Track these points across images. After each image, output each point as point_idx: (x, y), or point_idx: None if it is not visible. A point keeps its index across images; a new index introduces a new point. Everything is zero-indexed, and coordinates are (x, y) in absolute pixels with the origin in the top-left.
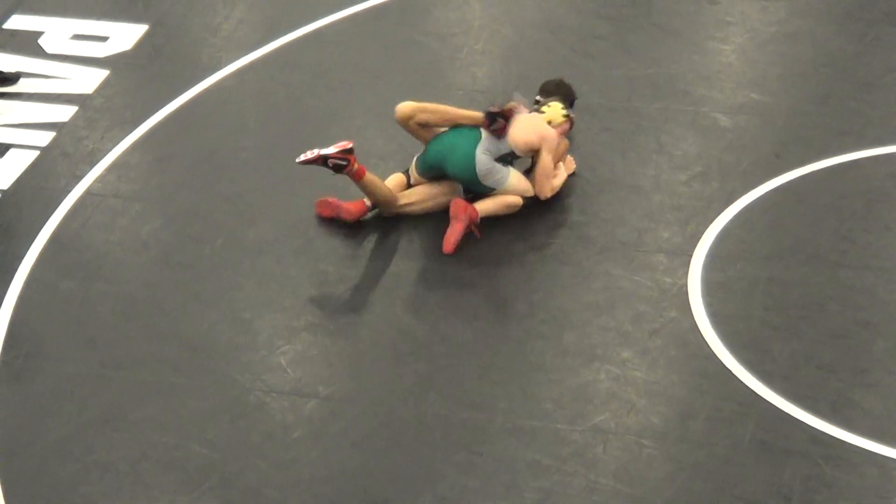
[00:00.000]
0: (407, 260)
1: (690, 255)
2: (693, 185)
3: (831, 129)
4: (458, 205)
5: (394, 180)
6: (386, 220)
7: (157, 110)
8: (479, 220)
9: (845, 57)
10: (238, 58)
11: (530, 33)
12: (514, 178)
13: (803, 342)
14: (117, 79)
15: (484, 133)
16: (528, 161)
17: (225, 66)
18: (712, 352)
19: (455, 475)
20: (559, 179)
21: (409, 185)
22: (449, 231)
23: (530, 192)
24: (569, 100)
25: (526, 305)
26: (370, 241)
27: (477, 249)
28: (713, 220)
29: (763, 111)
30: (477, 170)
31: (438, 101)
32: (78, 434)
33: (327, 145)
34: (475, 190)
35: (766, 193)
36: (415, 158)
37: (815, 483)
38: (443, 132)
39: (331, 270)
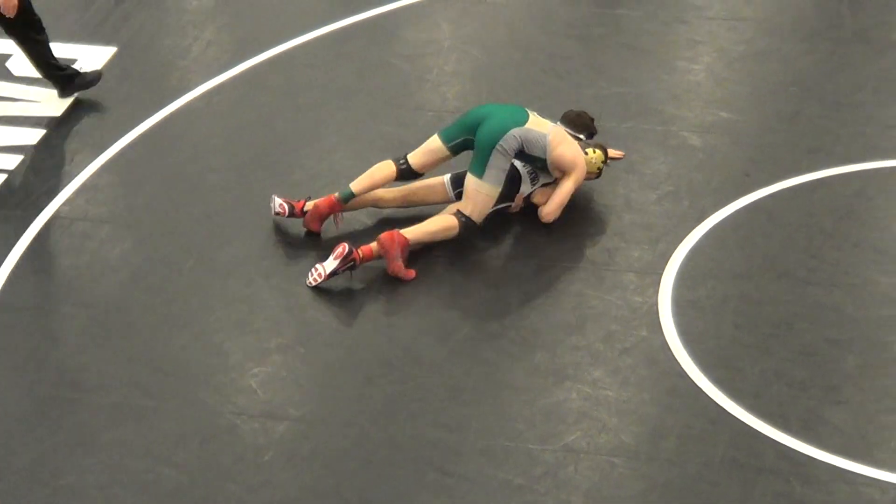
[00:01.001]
0: (377, 281)
1: (661, 274)
2: (663, 204)
3: (800, 148)
4: (383, 242)
5: (383, 170)
6: (355, 241)
7: (126, 132)
8: (408, 246)
9: (814, 75)
10: (207, 79)
11: (500, 53)
12: (494, 191)
13: (773, 360)
14: (86, 101)
15: (530, 122)
16: (529, 186)
17: (194, 87)
18: (683, 370)
19: (427, 496)
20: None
21: (400, 175)
22: (391, 270)
23: (477, 217)
24: (589, 132)
25: (497, 325)
26: None
27: (447, 270)
28: (683, 238)
29: (732, 130)
30: (500, 142)
31: (409, 121)
32: (48, 458)
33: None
34: (472, 162)
35: (736, 212)
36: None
37: (785, 500)
38: (491, 105)
39: (301, 292)
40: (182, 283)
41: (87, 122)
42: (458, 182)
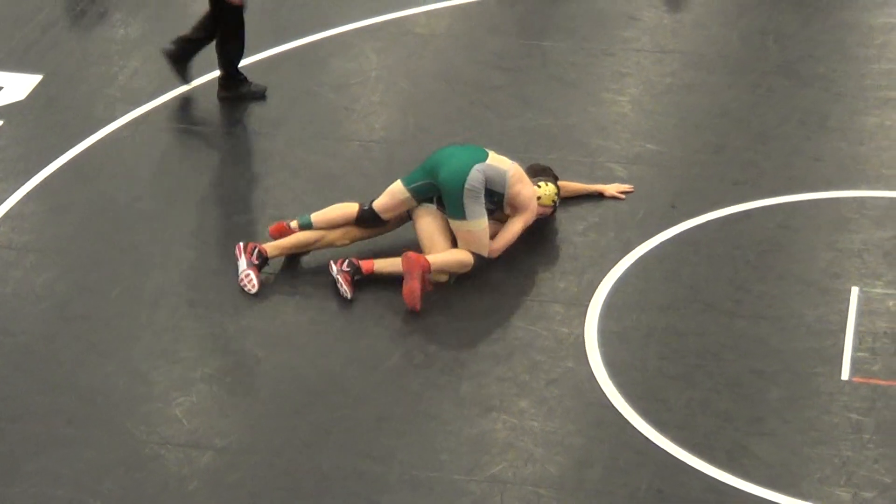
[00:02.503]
0: (303, 311)
1: (587, 305)
2: (589, 235)
3: (726, 180)
4: (409, 259)
5: (344, 208)
6: (283, 272)
7: (51, 161)
8: (430, 271)
9: (739, 108)
10: (133, 108)
11: (427, 84)
12: (484, 222)
13: (699, 391)
14: (11, 129)
15: (490, 159)
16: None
17: (120, 116)
18: (609, 401)
19: None
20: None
21: (360, 217)
22: (407, 288)
23: (485, 251)
24: (553, 181)
25: (423, 356)
26: (267, 293)
27: (374, 300)
28: (609, 269)
29: (658, 161)
30: (467, 182)
31: (336, 151)
32: None
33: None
34: (447, 210)
35: (662, 243)
36: (403, 179)
37: None
38: (447, 148)
39: (227, 321)
40: (108, 311)
41: (11, 151)
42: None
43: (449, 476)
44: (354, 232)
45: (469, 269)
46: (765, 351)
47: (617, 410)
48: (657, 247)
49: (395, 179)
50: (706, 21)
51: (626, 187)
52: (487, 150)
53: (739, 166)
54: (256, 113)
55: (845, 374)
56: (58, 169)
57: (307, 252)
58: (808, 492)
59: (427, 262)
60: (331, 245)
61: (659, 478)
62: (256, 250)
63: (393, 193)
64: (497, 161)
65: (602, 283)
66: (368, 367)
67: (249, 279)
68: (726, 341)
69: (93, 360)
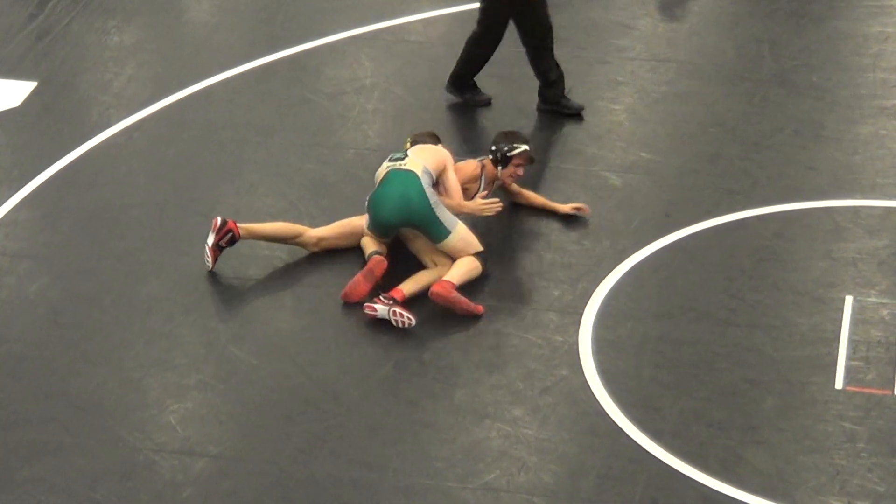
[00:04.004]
0: (297, 318)
1: (581, 314)
2: (584, 244)
3: (720, 189)
4: (439, 294)
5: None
6: (276, 279)
7: (45, 168)
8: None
9: (734, 117)
10: (128, 115)
11: (422, 92)
12: (460, 223)
13: (693, 400)
14: (5, 136)
15: (420, 170)
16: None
17: (115, 123)
18: (603, 409)
19: None
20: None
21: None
22: (460, 312)
23: (479, 246)
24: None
25: (417, 364)
26: (260, 299)
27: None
28: (603, 278)
29: (653, 170)
30: (431, 202)
31: (330, 158)
32: None
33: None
34: (432, 238)
35: (656, 252)
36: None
37: None
38: (378, 188)
39: (221, 328)
40: (101, 319)
41: (5, 158)
42: None
43: (443, 484)
44: (332, 242)
45: (480, 270)
46: (759, 360)
47: (611, 419)
48: (651, 255)
49: None
50: (701, 30)
51: (582, 207)
52: (400, 155)
53: (734, 175)
54: (251, 121)
55: (839, 383)
56: (52, 176)
57: (276, 243)
58: (802, 500)
59: (451, 283)
60: (302, 246)
61: (653, 486)
62: (229, 234)
63: (376, 242)
64: (417, 161)
65: (596, 291)
66: (362, 375)
67: (206, 255)
68: (720, 350)
69: (86, 367)
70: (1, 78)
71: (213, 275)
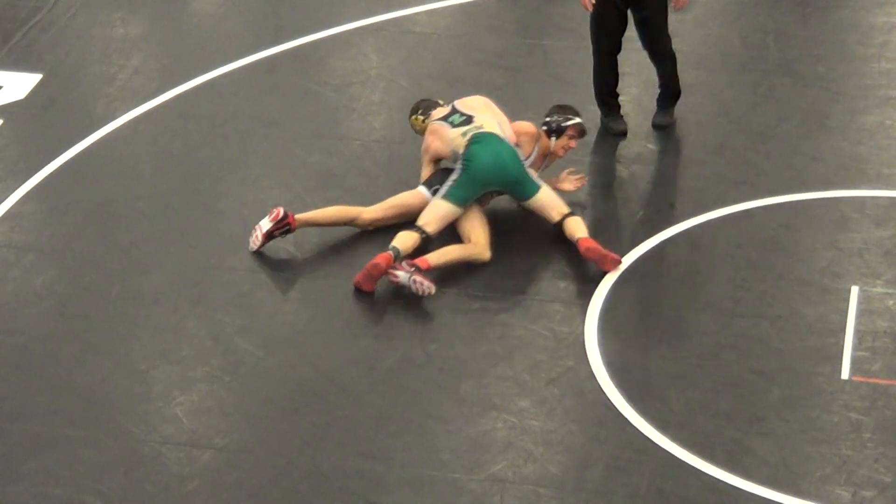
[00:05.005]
0: (303, 310)
1: (587, 304)
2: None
3: (726, 179)
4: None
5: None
6: (282, 271)
7: (51, 160)
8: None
9: (739, 107)
10: (133, 107)
11: (427, 84)
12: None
13: (699, 391)
14: (10, 128)
15: (499, 131)
16: None
17: (120, 115)
18: (609, 400)
19: None
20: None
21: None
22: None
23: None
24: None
25: (423, 355)
26: (266, 291)
27: (373, 299)
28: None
29: (658, 161)
30: (521, 159)
31: (335, 150)
32: None
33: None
34: (522, 191)
35: (662, 242)
36: (445, 190)
37: None
38: (470, 152)
39: (227, 321)
40: (107, 311)
41: (11, 150)
42: (431, 187)
43: (449, 475)
44: (386, 222)
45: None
46: (765, 350)
47: (617, 410)
48: (657, 246)
49: (396, 179)
50: (706, 20)
51: (575, 175)
52: (462, 118)
53: (739, 166)
54: (256, 112)
55: (845, 374)
56: (57, 168)
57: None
58: (809, 491)
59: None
60: (354, 225)
61: (659, 477)
62: (286, 227)
63: (446, 217)
64: (490, 122)
65: (602, 282)
66: (368, 366)
67: (255, 237)
68: (726, 341)
69: (92, 359)
70: (6, 70)
71: (219, 267)
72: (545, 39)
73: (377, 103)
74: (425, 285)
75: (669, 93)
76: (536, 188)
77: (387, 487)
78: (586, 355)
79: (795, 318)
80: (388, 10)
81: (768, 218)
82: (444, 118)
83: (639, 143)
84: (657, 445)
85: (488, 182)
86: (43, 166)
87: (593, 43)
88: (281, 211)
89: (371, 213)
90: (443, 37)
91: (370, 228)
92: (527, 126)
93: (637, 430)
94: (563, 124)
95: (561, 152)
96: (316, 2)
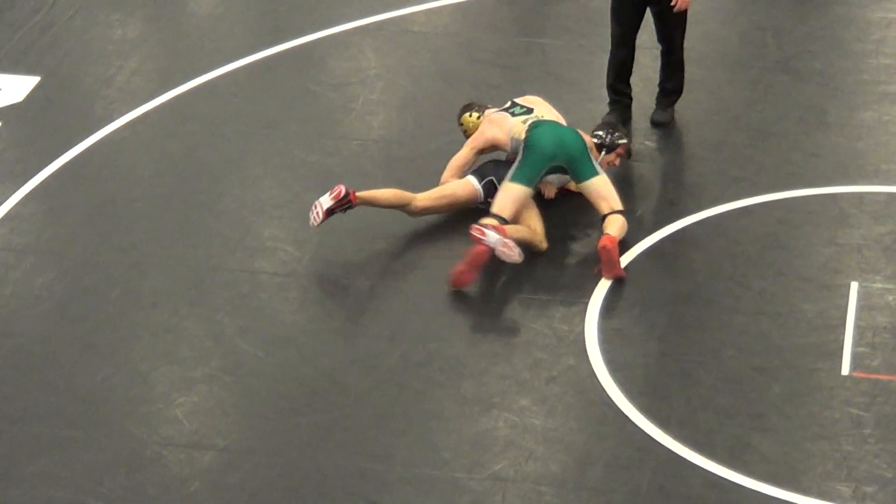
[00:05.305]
0: (302, 310)
1: (587, 303)
2: (589, 232)
3: (725, 176)
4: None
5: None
6: (281, 271)
7: (49, 162)
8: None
9: (738, 104)
10: (132, 109)
11: (426, 83)
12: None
13: (700, 388)
14: (9, 131)
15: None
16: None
17: (118, 117)
18: (610, 398)
19: None
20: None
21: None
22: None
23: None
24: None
25: (423, 354)
26: (266, 292)
27: (373, 298)
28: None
29: (658, 158)
30: (583, 139)
31: (335, 150)
32: None
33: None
34: (581, 171)
35: (662, 240)
36: (511, 174)
37: None
38: (533, 132)
39: (227, 321)
40: (107, 312)
41: (10, 153)
42: (483, 178)
43: (450, 474)
44: (435, 211)
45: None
46: (765, 347)
47: (618, 408)
48: (657, 243)
49: (395, 178)
50: (704, 18)
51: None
52: (522, 110)
53: (738, 162)
54: (255, 113)
55: (846, 370)
56: (56, 170)
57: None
58: (809, 487)
59: (616, 239)
60: (405, 211)
61: (660, 474)
62: (347, 205)
63: (518, 198)
64: (550, 113)
65: (602, 280)
66: (368, 365)
67: (316, 213)
68: (726, 338)
69: (92, 361)
70: (4, 72)
71: (218, 268)
72: (543, 38)
73: (376, 103)
74: (516, 251)
75: (670, 89)
76: (595, 172)
77: (388, 487)
78: (587, 353)
79: (795, 315)
80: (386, 9)
81: (767, 214)
82: (504, 109)
83: (637, 141)
84: (658, 443)
85: (552, 156)
86: (42, 168)
87: (611, 34)
88: (343, 189)
89: (423, 201)
90: (441, 36)
91: (420, 215)
92: (583, 135)
93: (638, 427)
94: (616, 142)
95: (605, 167)
96: (314, 2)
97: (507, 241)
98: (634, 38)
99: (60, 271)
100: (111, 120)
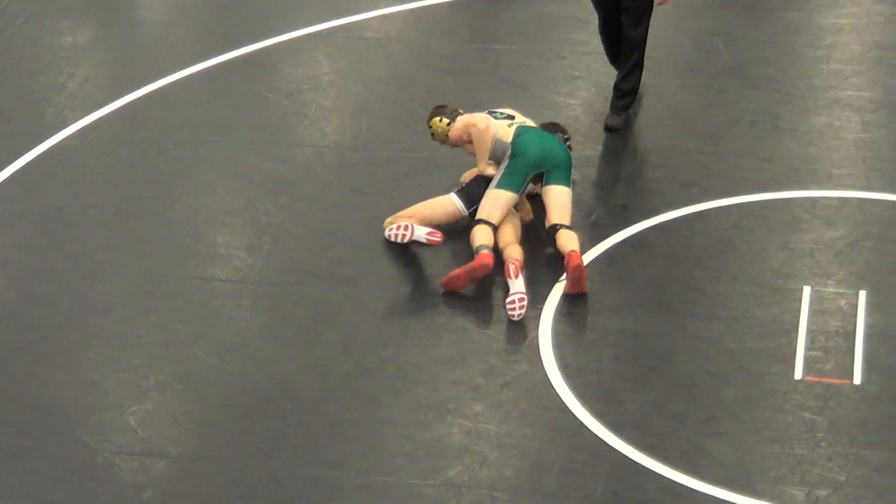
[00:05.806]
0: (254, 317)
1: (541, 308)
2: (542, 240)
3: (678, 181)
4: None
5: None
6: (234, 278)
7: (0, 170)
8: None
9: (690, 110)
10: (83, 116)
11: (378, 89)
12: None
13: (653, 392)
14: None
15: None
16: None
17: (70, 124)
18: (564, 404)
19: None
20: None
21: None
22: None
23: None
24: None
25: (377, 360)
26: (218, 299)
27: (327, 305)
28: (563, 272)
29: (610, 164)
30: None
31: (288, 156)
32: None
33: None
34: (564, 178)
35: (615, 245)
36: (497, 180)
37: None
38: (521, 139)
39: (179, 329)
40: (58, 321)
41: None
42: (468, 197)
43: (404, 480)
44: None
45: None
46: (718, 351)
47: (572, 413)
48: (610, 248)
49: (349, 185)
50: (656, 24)
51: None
52: (504, 115)
53: (691, 168)
54: (208, 120)
55: (798, 374)
56: (7, 178)
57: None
58: (763, 491)
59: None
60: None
61: (615, 479)
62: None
63: (506, 205)
64: (528, 120)
65: (556, 285)
66: (321, 372)
67: (401, 234)
68: (680, 342)
69: (43, 370)
70: None
71: (170, 275)
72: (496, 44)
73: (329, 109)
74: (525, 309)
75: (625, 89)
76: (568, 182)
77: (342, 494)
78: (540, 359)
79: (748, 319)
80: (338, 16)
81: (720, 219)
82: (487, 113)
83: (590, 147)
84: (612, 448)
85: (538, 164)
86: None
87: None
88: (439, 240)
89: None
90: (394, 42)
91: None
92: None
93: (592, 432)
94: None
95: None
96: (266, 8)
97: (524, 298)
98: (619, 20)
99: (10, 280)
100: (63, 127)
